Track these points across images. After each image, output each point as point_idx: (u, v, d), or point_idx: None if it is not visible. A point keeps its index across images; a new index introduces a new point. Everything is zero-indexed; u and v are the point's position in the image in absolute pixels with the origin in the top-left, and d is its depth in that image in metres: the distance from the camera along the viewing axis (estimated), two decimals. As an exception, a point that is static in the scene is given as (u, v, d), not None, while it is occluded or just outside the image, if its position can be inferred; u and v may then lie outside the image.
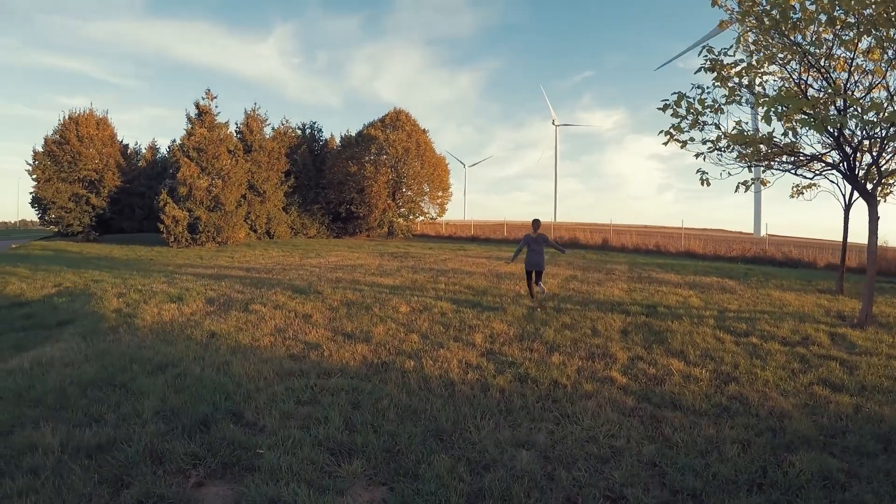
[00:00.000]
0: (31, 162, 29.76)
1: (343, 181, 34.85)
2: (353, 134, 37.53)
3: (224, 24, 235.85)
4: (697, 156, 10.66)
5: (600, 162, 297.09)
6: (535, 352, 6.77)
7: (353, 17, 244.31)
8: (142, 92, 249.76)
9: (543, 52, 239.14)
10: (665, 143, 10.27)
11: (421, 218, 38.93)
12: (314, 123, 39.87)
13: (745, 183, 10.86)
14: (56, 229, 32.35)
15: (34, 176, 29.80)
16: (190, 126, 28.13)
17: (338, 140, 39.67)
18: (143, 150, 43.39)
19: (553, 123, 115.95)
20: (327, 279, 12.94)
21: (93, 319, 8.97)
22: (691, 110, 9.76)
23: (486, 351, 6.78)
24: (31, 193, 30.51)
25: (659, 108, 10.02)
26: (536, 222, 10.29)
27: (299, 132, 38.28)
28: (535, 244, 10.17)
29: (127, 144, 36.85)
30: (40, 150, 30.05)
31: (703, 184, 10.52)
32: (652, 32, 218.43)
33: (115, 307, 9.72)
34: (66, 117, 31.00)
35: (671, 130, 10.18)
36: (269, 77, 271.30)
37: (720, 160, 10.41)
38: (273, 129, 35.20)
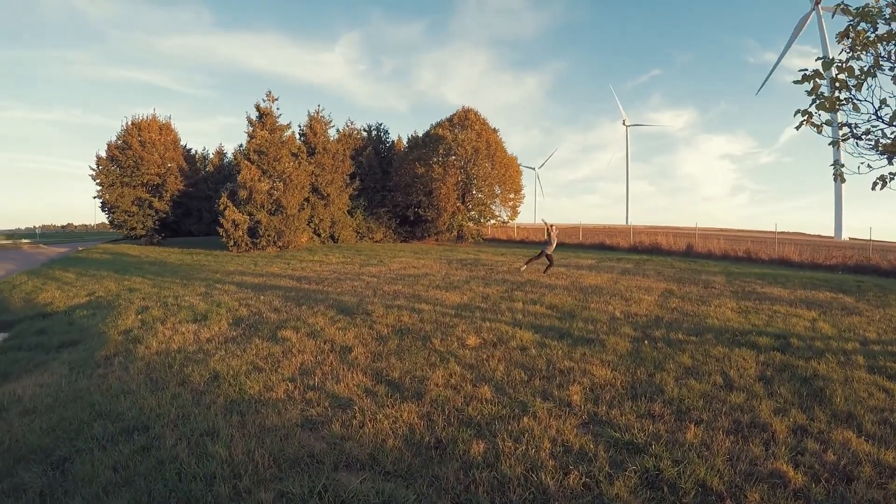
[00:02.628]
0: (94, 167, 29.94)
1: (410, 183, 33.00)
2: (420, 135, 35.68)
3: (291, 34, 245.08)
4: (832, 144, 7.98)
5: (671, 163, 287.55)
6: (658, 420, 4.51)
7: (417, 23, 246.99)
8: (213, 101, 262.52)
9: (609, 51, 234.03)
10: (797, 128, 7.70)
11: (492, 221, 36.16)
12: (380, 125, 38.28)
13: (882, 178, 8.13)
14: (124, 232, 32.52)
15: (98, 181, 29.95)
16: (251, 129, 27.20)
17: (405, 142, 37.97)
18: (211, 156, 43.69)
19: (623, 124, 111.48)
20: (383, 293, 11.02)
21: (96, 343, 7.57)
22: (836, 82, 7.22)
23: (590, 418, 4.55)
24: (94, 198, 30.76)
25: (796, 82, 7.44)
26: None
27: (364, 134, 36.70)
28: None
29: (190, 149, 36.69)
30: (103, 155, 30.18)
31: (836, 179, 7.84)
32: (720, 27, 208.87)
33: (127, 327, 8.26)
34: (130, 123, 31.05)
35: (811, 109, 7.54)
36: (337, 84, 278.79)
37: (857, 147, 7.75)
38: (338, 131, 33.95)
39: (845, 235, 57.86)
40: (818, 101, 7.40)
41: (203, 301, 10.25)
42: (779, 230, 27.44)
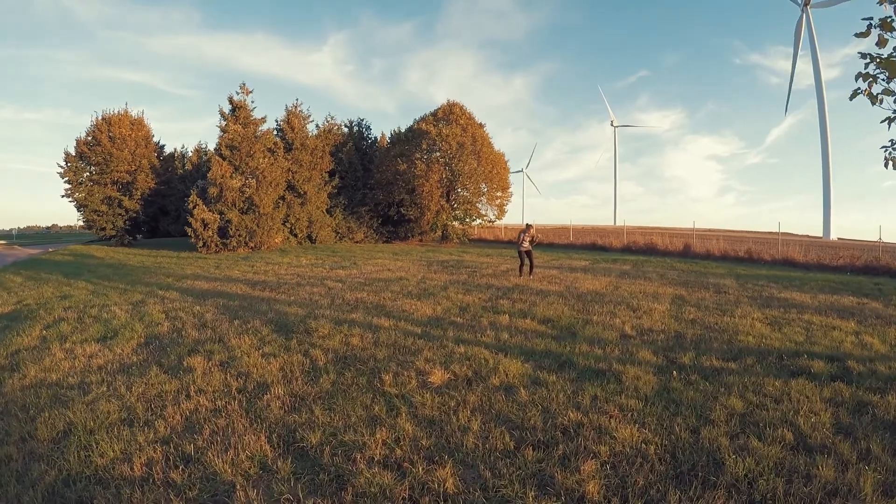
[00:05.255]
0: (63, 164, 28.03)
1: (392, 181, 31.31)
2: (404, 130, 33.99)
3: (279, 34, 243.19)
4: (886, 121, 6.44)
5: (659, 164, 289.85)
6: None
7: (406, 24, 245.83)
8: (202, 102, 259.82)
9: (597, 52, 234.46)
10: (851, 98, 6.13)
11: (478, 221, 34.40)
12: (362, 120, 36.59)
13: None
14: (95, 232, 30.62)
15: (66, 178, 28.00)
16: (223, 122, 25.48)
17: (388, 138, 36.37)
18: (190, 154, 41.82)
19: (612, 124, 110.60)
20: (342, 302, 9.36)
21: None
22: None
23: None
24: (62, 197, 28.77)
25: (858, 34, 5.87)
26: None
27: (345, 129, 34.91)
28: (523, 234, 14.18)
29: (164, 146, 34.65)
30: (72, 152, 28.28)
31: (887, 165, 6.31)
32: (707, 29, 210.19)
33: (20, 347, 6.68)
34: (100, 118, 29.07)
35: (874, 72, 5.96)
36: (326, 84, 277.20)
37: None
38: (317, 126, 32.20)
39: (834, 235, 57.41)
40: (884, 60, 5.76)
41: (128, 312, 8.58)
42: (766, 230, 26.31)
